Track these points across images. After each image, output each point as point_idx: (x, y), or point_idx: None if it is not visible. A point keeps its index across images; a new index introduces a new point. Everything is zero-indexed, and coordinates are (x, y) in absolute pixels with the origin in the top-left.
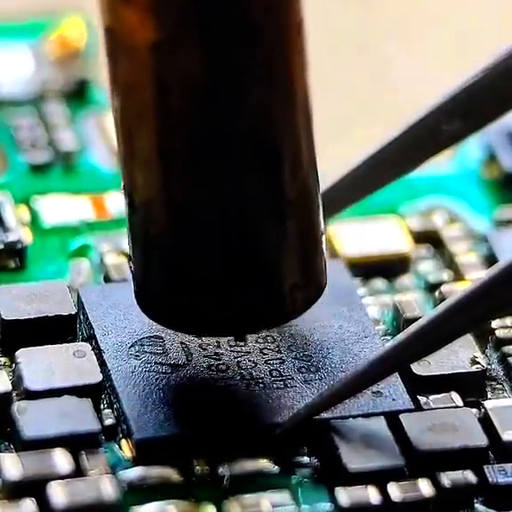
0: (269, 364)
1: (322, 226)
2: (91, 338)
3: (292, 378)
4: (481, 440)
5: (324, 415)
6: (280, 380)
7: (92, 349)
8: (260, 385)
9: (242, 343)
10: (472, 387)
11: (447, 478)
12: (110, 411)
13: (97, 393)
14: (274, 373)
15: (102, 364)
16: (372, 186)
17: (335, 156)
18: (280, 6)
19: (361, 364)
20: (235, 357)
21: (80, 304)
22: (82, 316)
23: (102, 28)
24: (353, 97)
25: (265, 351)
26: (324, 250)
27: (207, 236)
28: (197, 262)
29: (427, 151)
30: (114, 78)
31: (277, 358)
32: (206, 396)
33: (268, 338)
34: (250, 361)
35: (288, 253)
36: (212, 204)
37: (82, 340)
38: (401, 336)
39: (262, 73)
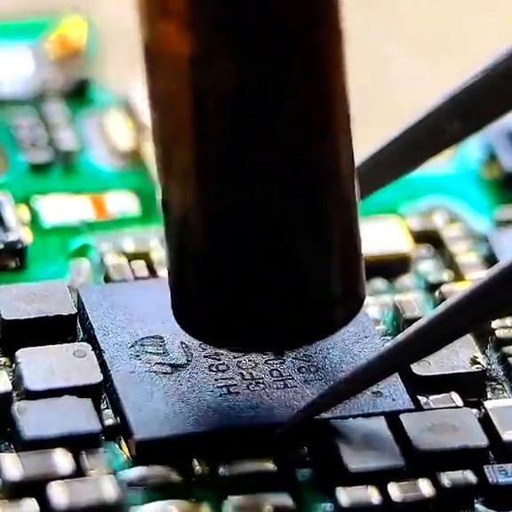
0: (269, 363)
1: (360, 238)
2: (91, 338)
3: (292, 378)
4: (481, 440)
5: (324, 415)
6: (280, 380)
7: (93, 349)
8: (261, 385)
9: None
10: (472, 387)
11: (447, 478)
12: (110, 411)
13: (97, 393)
14: (274, 373)
15: (102, 364)
16: (372, 186)
17: None
18: (317, 14)
19: (361, 364)
20: (235, 357)
21: (80, 304)
22: (82, 316)
23: (141, 42)
24: (353, 97)
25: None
26: (363, 262)
27: (245, 248)
28: (235, 275)
29: (427, 151)
30: (152, 92)
31: (277, 358)
32: (206, 395)
33: None
34: (250, 361)
35: (328, 266)
36: (250, 215)
37: (82, 340)
38: (401, 336)
39: (298, 85)
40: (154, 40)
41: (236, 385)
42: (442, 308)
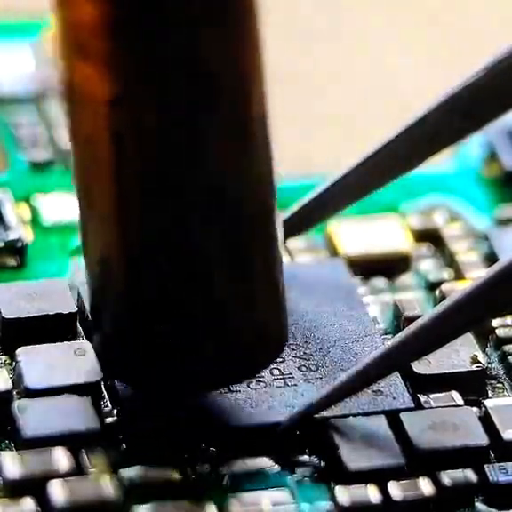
0: None
1: (282, 281)
2: (91, 336)
3: (293, 376)
4: (481, 439)
5: (325, 414)
6: (280, 379)
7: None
8: (261, 383)
9: None
10: (472, 385)
11: (448, 477)
12: (110, 409)
13: (97, 391)
14: (274, 372)
15: None
16: (372, 185)
17: (335, 156)
18: (238, 56)
19: (361, 363)
20: None
21: (80, 302)
22: (82, 314)
23: (61, 81)
24: (353, 97)
25: None
26: (285, 302)
27: (164, 290)
28: (154, 316)
29: (427, 150)
30: (72, 131)
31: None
32: (207, 393)
33: None
34: None
35: (248, 310)
36: (171, 255)
37: (82, 339)
38: (401, 335)
39: (221, 130)
40: (72, 80)
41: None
42: (442, 306)
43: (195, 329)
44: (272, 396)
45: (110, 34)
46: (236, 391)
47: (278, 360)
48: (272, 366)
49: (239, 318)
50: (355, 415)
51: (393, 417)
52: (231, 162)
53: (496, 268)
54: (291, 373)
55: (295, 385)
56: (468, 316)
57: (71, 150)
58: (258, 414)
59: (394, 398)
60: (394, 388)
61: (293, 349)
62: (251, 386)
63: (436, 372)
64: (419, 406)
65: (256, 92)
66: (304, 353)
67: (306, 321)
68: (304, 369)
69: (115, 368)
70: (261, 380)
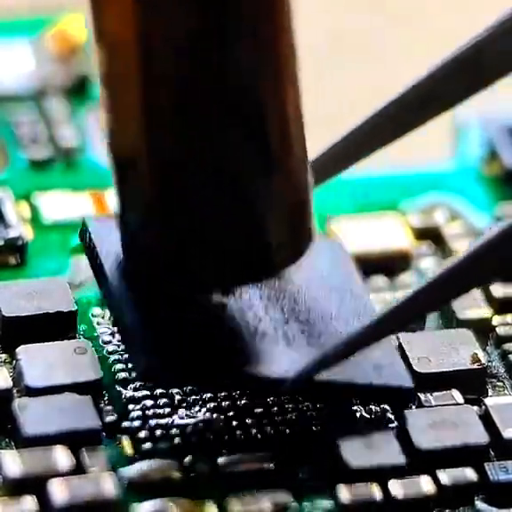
0: (274, 320)
1: (310, 182)
2: (99, 275)
3: (295, 339)
4: (482, 437)
5: (327, 377)
6: (284, 340)
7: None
8: (265, 341)
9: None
10: (473, 384)
11: (448, 476)
12: (111, 407)
13: (97, 390)
14: (278, 331)
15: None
16: (367, 149)
17: None
18: None
19: (370, 318)
20: (241, 308)
21: (87, 237)
22: (90, 252)
23: None
24: (352, 97)
25: (268, 309)
26: (312, 204)
27: (192, 191)
28: (182, 216)
29: (427, 111)
30: (98, 33)
31: (280, 318)
32: (213, 337)
33: (271, 298)
34: (255, 315)
35: (275, 208)
36: (197, 158)
37: (81, 338)
38: (401, 297)
39: (248, 28)
40: None
41: (242, 335)
42: (449, 264)
43: (220, 225)
44: (277, 354)
45: None
46: (242, 346)
47: (281, 322)
48: (276, 325)
49: (265, 216)
50: (356, 385)
51: (394, 413)
52: (257, 62)
53: (499, 228)
54: (294, 335)
55: (299, 346)
56: (461, 282)
57: (97, 54)
58: (263, 369)
59: (393, 375)
60: (393, 365)
61: (296, 314)
62: (256, 341)
63: (437, 370)
64: (419, 405)
65: (283, 20)
66: (306, 320)
67: (307, 292)
68: (307, 334)
69: (141, 266)
70: (266, 337)
